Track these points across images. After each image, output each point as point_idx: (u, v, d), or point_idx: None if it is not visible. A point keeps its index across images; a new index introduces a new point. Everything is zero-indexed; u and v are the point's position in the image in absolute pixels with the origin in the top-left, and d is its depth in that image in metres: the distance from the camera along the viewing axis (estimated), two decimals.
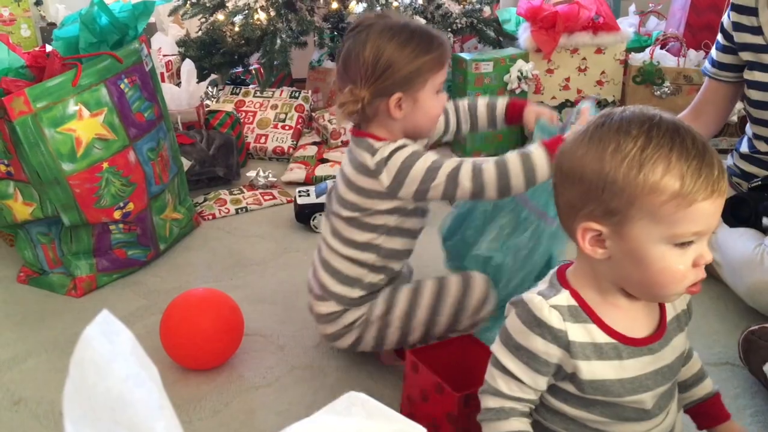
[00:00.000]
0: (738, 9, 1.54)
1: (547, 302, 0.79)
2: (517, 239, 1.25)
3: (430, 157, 1.12)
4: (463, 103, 1.33)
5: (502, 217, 1.29)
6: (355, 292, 1.21)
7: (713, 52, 1.64)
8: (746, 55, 1.53)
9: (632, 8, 2.79)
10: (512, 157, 1.09)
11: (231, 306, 1.29)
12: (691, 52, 2.31)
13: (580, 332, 0.79)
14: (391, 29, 1.12)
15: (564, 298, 0.80)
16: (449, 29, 2.47)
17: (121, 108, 1.55)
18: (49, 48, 1.67)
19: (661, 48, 2.35)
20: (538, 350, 0.79)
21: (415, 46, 1.11)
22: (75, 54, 1.56)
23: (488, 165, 1.09)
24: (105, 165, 1.52)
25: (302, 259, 1.72)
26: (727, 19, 1.57)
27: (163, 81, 2.32)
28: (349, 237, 1.19)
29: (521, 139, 2.40)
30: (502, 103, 1.31)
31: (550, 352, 0.78)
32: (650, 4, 2.73)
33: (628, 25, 2.64)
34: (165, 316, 1.26)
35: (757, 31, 1.51)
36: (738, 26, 1.54)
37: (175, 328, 1.24)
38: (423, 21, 2.34)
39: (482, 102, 1.32)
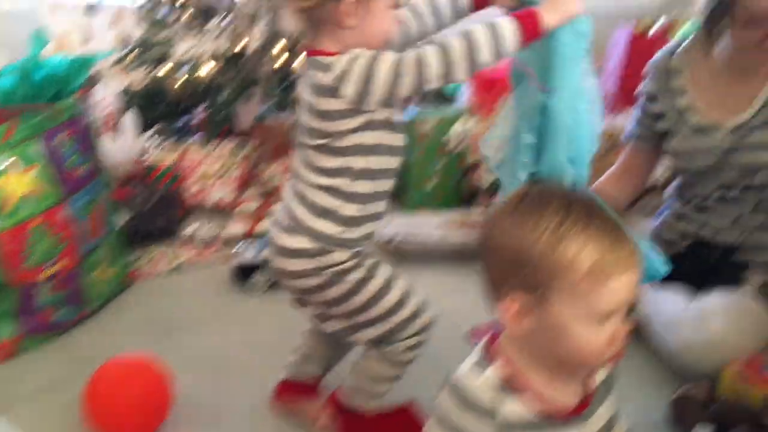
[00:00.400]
0: (657, 74, 1.57)
1: (477, 380, 0.79)
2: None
3: (389, 54, 1.05)
4: (419, 1, 1.22)
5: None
6: (331, 227, 1.13)
7: (634, 114, 1.66)
8: (665, 122, 1.56)
9: None
10: (478, 28, 1.03)
11: (158, 376, 1.25)
12: (622, 115, 2.40)
13: (511, 408, 0.79)
14: None
15: (494, 372, 0.80)
16: None
17: (55, 163, 1.52)
18: None
19: None
20: (472, 430, 0.79)
21: None
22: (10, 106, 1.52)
23: (453, 40, 1.03)
24: (35, 222, 1.48)
25: (239, 321, 1.69)
26: (647, 84, 1.60)
27: (103, 133, 2.28)
28: (321, 165, 1.12)
29: (463, 195, 2.45)
30: None
31: (485, 430, 0.78)
32: None
33: None
34: (87, 387, 1.21)
35: (677, 92, 1.53)
36: (659, 91, 1.56)
37: (97, 402, 1.20)
38: None
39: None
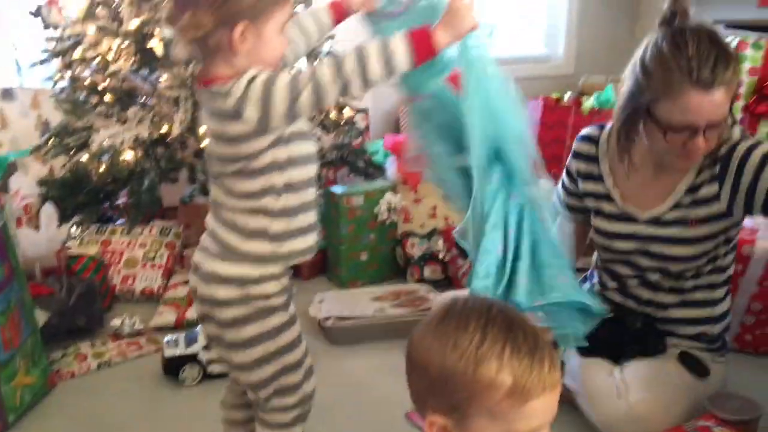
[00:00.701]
0: (580, 157, 1.61)
1: None
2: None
3: (284, 74, 1.07)
4: (297, 22, 1.28)
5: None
6: (262, 246, 1.13)
7: (561, 192, 1.69)
8: (590, 201, 1.60)
9: None
10: (371, 45, 1.05)
11: None
12: (542, 181, 2.50)
13: None
14: None
15: None
16: (321, 162, 2.54)
17: None
18: None
19: None
20: None
21: None
22: None
23: (346, 57, 1.05)
24: None
25: (171, 418, 1.63)
26: (572, 163, 1.63)
27: (20, 226, 2.21)
28: (244, 189, 1.12)
29: (396, 266, 2.47)
30: (323, 11, 1.29)
31: None
32: None
33: None
34: None
35: (598, 178, 1.58)
36: (581, 174, 1.60)
37: None
38: None
39: (306, 16, 1.29)
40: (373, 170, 2.73)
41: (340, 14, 1.30)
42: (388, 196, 2.42)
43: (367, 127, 3.21)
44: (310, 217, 1.18)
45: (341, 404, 1.69)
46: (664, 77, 1.29)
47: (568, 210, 1.69)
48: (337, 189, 2.42)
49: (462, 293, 0.93)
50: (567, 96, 2.80)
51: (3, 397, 1.56)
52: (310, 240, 1.19)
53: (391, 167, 2.52)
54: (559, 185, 1.69)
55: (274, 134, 1.09)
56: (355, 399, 1.72)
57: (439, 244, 2.40)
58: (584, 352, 1.53)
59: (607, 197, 1.56)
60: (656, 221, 1.48)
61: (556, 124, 2.56)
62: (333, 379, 1.80)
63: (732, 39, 2.36)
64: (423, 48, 1.05)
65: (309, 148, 1.16)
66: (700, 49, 1.27)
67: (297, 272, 2.22)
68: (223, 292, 1.14)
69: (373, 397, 1.73)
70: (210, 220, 1.19)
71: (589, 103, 2.58)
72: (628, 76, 1.40)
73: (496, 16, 3.56)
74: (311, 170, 1.17)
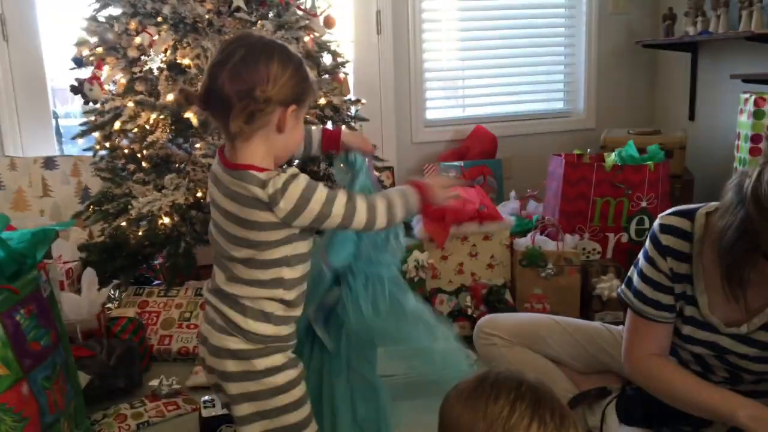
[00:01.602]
0: (672, 253, 1.38)
1: None
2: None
3: (323, 188, 1.18)
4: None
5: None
6: (268, 328, 1.21)
7: (644, 288, 1.42)
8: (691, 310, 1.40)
9: (513, 193, 3.08)
10: (395, 195, 1.24)
11: None
12: (567, 237, 2.54)
13: None
14: (286, 48, 1.18)
15: None
16: None
17: (15, 341, 1.53)
18: None
19: (541, 233, 2.58)
20: None
21: (304, 68, 1.20)
22: None
23: (379, 200, 1.22)
24: None
25: None
26: (660, 259, 1.39)
27: (62, 289, 2.30)
28: (253, 278, 1.20)
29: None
30: (317, 131, 1.40)
31: None
32: (528, 190, 3.02)
33: (510, 209, 2.90)
34: None
35: (686, 279, 1.38)
36: (676, 274, 1.39)
37: None
38: None
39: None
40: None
41: (331, 144, 1.40)
42: (416, 254, 2.48)
43: (392, 185, 3.31)
44: (302, 307, 1.28)
45: None
46: None
47: (661, 309, 1.41)
48: None
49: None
50: (588, 152, 2.85)
51: None
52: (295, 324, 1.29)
53: (418, 225, 2.58)
54: (637, 279, 1.45)
55: (290, 231, 1.18)
56: None
57: (468, 300, 2.44)
58: (626, 420, 1.52)
59: (692, 300, 1.38)
60: (739, 337, 1.35)
61: (579, 180, 2.61)
62: None
63: (749, 96, 2.42)
64: (426, 198, 1.27)
65: (309, 245, 1.24)
66: None
67: None
68: (231, 366, 1.22)
69: None
70: (212, 296, 1.27)
71: (611, 159, 2.63)
72: (733, 205, 1.20)
73: (518, 73, 3.67)
74: (307, 267, 1.25)
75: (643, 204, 2.56)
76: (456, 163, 3.29)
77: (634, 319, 1.45)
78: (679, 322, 1.41)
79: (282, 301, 1.22)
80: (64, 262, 2.44)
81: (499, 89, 3.69)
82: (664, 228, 1.38)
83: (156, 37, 2.36)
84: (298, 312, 1.26)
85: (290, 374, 1.24)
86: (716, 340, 1.37)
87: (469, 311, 2.43)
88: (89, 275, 2.26)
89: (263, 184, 1.14)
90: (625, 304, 1.48)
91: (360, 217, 1.19)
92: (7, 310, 1.53)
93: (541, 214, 2.81)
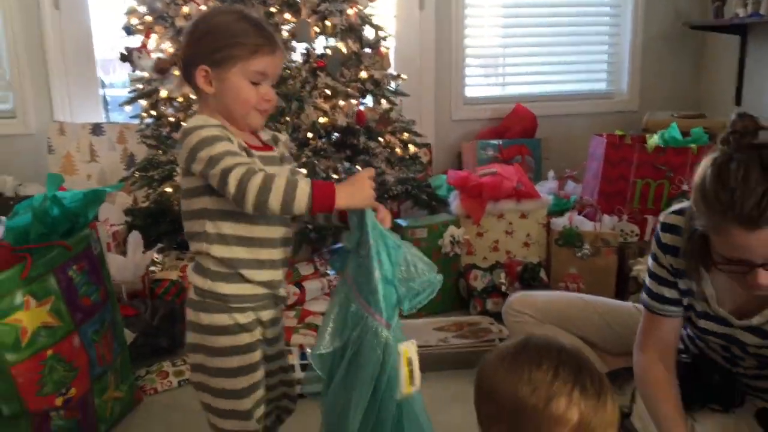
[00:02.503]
0: (669, 250, 1.40)
1: None
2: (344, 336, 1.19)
3: (224, 147, 1.12)
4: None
5: (333, 310, 1.23)
6: (204, 282, 1.21)
7: (650, 283, 1.45)
8: (685, 300, 1.44)
9: (551, 173, 3.07)
10: (281, 180, 1.09)
11: None
12: (606, 217, 2.53)
13: None
14: (225, 11, 1.23)
15: None
16: (386, 195, 2.65)
17: (68, 295, 1.60)
18: None
19: (579, 213, 2.58)
20: None
21: (234, 27, 1.18)
22: (25, 244, 1.61)
23: (257, 177, 1.09)
24: (49, 352, 1.54)
25: None
26: (662, 256, 1.41)
27: (109, 251, 2.38)
28: (186, 230, 1.23)
29: (458, 298, 2.53)
30: (304, 185, 1.28)
31: None
32: (566, 170, 3.01)
33: (548, 188, 2.89)
34: None
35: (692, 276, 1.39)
36: (676, 270, 1.40)
37: None
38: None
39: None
40: (437, 204, 2.81)
41: (324, 204, 1.18)
42: (452, 229, 2.50)
43: (429, 162, 3.32)
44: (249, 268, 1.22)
45: None
46: (706, 210, 1.16)
47: (664, 302, 1.44)
48: (402, 222, 2.51)
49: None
50: (631, 133, 2.83)
51: (96, 409, 1.69)
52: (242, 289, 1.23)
53: (455, 201, 2.60)
54: (646, 276, 1.49)
55: (199, 182, 1.17)
56: None
57: (502, 277, 2.45)
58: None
59: (701, 295, 1.39)
60: (752, 329, 1.34)
61: (620, 161, 2.59)
62: None
63: None
64: (323, 199, 1.10)
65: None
66: (748, 181, 1.10)
67: None
68: (188, 314, 1.26)
69: (438, 424, 1.78)
70: None
71: (653, 140, 2.60)
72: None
73: (560, 52, 3.63)
74: (247, 230, 1.20)
75: (685, 187, 2.53)
76: (494, 142, 3.29)
77: (645, 315, 1.49)
78: (693, 317, 1.43)
79: (211, 257, 1.20)
80: (111, 225, 2.52)
81: (541, 68, 3.65)
82: (664, 226, 1.40)
83: (203, 6, 2.40)
84: (236, 270, 1.21)
85: (234, 340, 1.23)
86: (731, 333, 1.37)
87: (503, 288, 2.44)
88: (135, 238, 2.34)
89: (180, 128, 1.21)
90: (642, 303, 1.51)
91: (229, 187, 1.09)
92: (60, 265, 1.60)
93: (580, 195, 2.80)
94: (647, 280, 1.47)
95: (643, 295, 1.48)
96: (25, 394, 1.51)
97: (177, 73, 2.47)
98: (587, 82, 3.75)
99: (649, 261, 1.46)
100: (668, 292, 1.42)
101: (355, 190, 1.13)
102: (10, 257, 1.55)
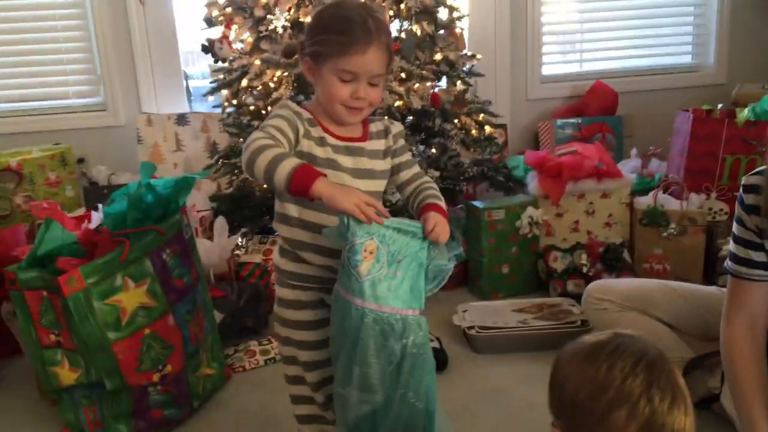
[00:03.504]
0: (753, 210, 1.39)
1: None
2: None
3: (271, 122, 1.19)
4: (414, 184, 1.33)
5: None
6: (276, 257, 1.33)
7: (736, 248, 1.43)
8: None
9: (634, 151, 2.97)
10: (274, 151, 1.12)
11: None
12: (693, 196, 2.44)
13: None
14: (335, 4, 1.26)
15: None
16: (462, 177, 2.64)
17: (162, 277, 1.69)
18: (94, 217, 1.85)
19: (664, 192, 2.49)
20: None
21: (331, 23, 1.22)
22: (122, 229, 1.71)
23: (259, 141, 1.13)
24: (146, 331, 1.63)
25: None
26: (748, 219, 1.39)
27: (197, 236, 2.48)
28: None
29: (537, 279, 2.50)
30: (420, 202, 1.29)
31: None
32: (650, 148, 2.90)
33: (630, 167, 2.81)
34: None
35: None
36: (765, 233, 1.36)
37: None
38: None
39: (414, 194, 1.31)
40: (513, 185, 2.78)
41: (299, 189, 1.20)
42: (530, 211, 2.46)
43: (505, 143, 3.28)
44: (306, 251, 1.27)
45: (486, 410, 1.76)
46: None
47: (752, 266, 1.41)
48: (478, 203, 2.50)
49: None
50: (719, 107, 2.70)
51: (190, 385, 1.78)
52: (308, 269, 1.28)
53: (533, 182, 2.56)
54: (731, 243, 1.46)
55: None
56: (499, 405, 1.79)
57: (583, 258, 2.41)
58: None
59: None
60: None
61: (708, 137, 2.48)
62: (478, 385, 1.88)
63: None
64: (300, 183, 1.10)
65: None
66: None
67: None
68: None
69: (518, 405, 1.79)
70: None
71: (743, 114, 2.48)
72: None
73: (641, 25, 3.50)
74: (307, 212, 1.24)
75: None
76: (573, 120, 3.21)
77: (731, 283, 1.44)
78: None
79: (281, 236, 1.30)
80: (198, 211, 2.63)
81: (621, 43, 3.53)
82: (747, 188, 1.39)
83: None
84: (296, 251, 1.27)
85: (298, 315, 1.31)
86: None
87: (585, 269, 2.40)
88: (221, 223, 2.43)
89: None
90: (725, 272, 1.47)
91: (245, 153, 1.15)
92: (155, 249, 1.69)
93: (665, 173, 2.71)
94: (732, 247, 1.43)
95: (728, 263, 1.44)
96: (126, 370, 1.61)
97: (258, 62, 2.54)
98: (671, 55, 3.60)
99: (734, 226, 1.43)
100: (756, 255, 1.39)
101: (339, 193, 1.11)
102: (109, 242, 1.66)
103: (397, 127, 1.35)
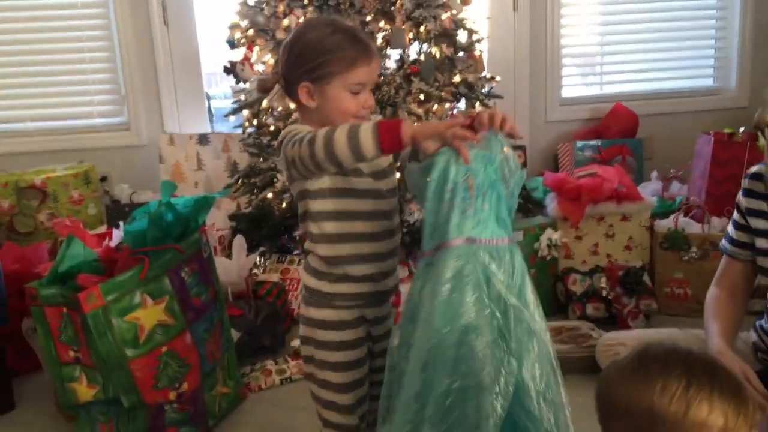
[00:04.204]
0: (750, 194, 1.59)
1: None
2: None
3: (306, 130, 1.17)
4: None
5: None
6: (311, 281, 1.28)
7: (730, 229, 1.66)
8: (760, 242, 1.56)
9: (654, 174, 2.95)
10: (341, 129, 1.10)
11: None
12: (714, 219, 2.41)
13: None
14: (316, 25, 1.25)
15: None
16: None
17: (181, 295, 1.70)
18: (115, 235, 1.87)
19: (685, 215, 2.47)
20: None
21: (328, 43, 1.21)
22: (142, 247, 1.72)
23: (320, 132, 1.11)
24: (164, 349, 1.64)
25: None
26: (742, 199, 1.62)
27: (215, 254, 2.50)
28: (303, 230, 1.29)
29: (556, 302, 2.48)
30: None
31: None
32: (671, 170, 2.88)
33: (651, 190, 2.79)
34: None
35: (761, 215, 1.55)
36: (750, 211, 1.59)
37: None
38: None
39: None
40: (532, 206, 2.77)
41: (393, 142, 1.17)
42: (548, 233, 2.45)
43: (524, 164, 3.27)
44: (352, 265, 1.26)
45: None
46: None
47: (735, 245, 1.64)
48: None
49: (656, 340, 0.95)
50: (741, 131, 2.68)
51: (206, 404, 1.79)
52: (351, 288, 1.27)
53: (552, 203, 2.55)
54: (730, 223, 1.67)
55: (305, 185, 1.22)
56: None
57: (602, 281, 2.38)
58: None
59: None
60: None
61: (730, 160, 2.46)
62: None
63: None
64: (390, 136, 1.07)
65: (358, 205, 1.24)
66: None
67: None
68: (301, 309, 1.34)
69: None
70: None
71: (765, 138, 2.45)
72: None
73: (662, 48, 3.49)
74: (344, 226, 1.24)
75: None
76: (593, 142, 3.20)
77: (721, 259, 1.70)
78: (761, 259, 1.57)
79: (319, 257, 1.26)
80: (217, 230, 2.65)
81: (641, 65, 3.52)
82: (749, 175, 1.61)
83: (302, 19, 2.48)
84: (339, 270, 1.25)
85: (339, 335, 1.28)
86: None
87: (604, 293, 2.37)
88: (239, 242, 2.44)
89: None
90: (720, 251, 1.71)
91: (303, 150, 1.11)
92: (174, 267, 1.71)
93: (686, 196, 2.68)
94: (728, 228, 1.67)
95: (722, 241, 1.69)
96: (143, 388, 1.62)
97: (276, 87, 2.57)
98: (692, 78, 3.58)
99: (734, 215, 1.66)
100: (741, 236, 1.62)
101: (424, 126, 1.12)
102: (129, 259, 1.67)
103: (375, 117, 1.36)
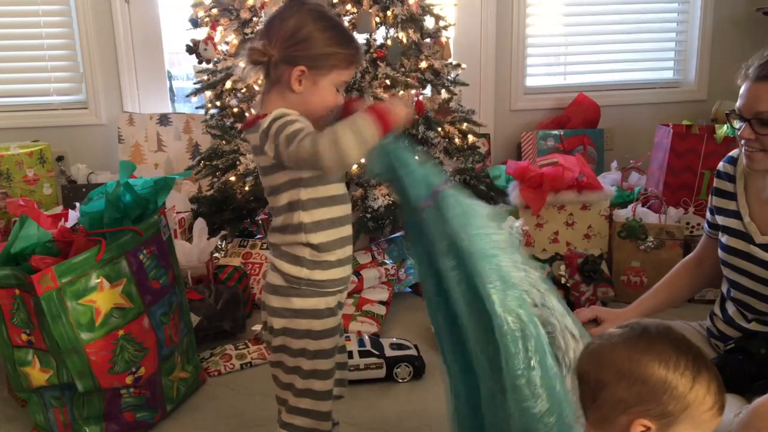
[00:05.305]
0: (721, 176, 1.65)
1: None
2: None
3: (303, 124, 1.18)
4: None
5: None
6: (300, 271, 1.27)
7: (708, 213, 1.72)
8: (720, 218, 1.63)
9: (614, 164, 3.00)
10: (343, 127, 1.12)
11: None
12: (671, 210, 2.47)
13: None
14: (320, 13, 1.25)
15: None
16: None
17: (138, 278, 1.67)
18: (71, 216, 1.82)
19: (643, 205, 2.51)
20: None
21: (335, 36, 1.24)
22: (99, 229, 1.69)
23: (321, 138, 1.11)
24: (120, 332, 1.61)
25: None
26: (716, 181, 1.67)
27: (175, 237, 2.46)
28: (279, 224, 1.28)
29: None
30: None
31: None
32: (630, 161, 2.93)
33: (611, 180, 2.83)
34: None
35: (732, 196, 1.62)
36: (718, 191, 1.65)
37: None
38: None
39: None
40: (495, 194, 2.79)
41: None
42: (510, 220, 2.47)
43: (488, 152, 3.30)
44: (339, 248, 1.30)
45: None
46: None
47: (709, 226, 1.72)
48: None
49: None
50: (699, 123, 2.74)
51: (163, 388, 1.76)
52: (343, 271, 1.32)
53: (514, 192, 2.58)
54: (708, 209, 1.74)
55: (293, 174, 1.22)
56: None
57: (561, 269, 2.42)
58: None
59: (737, 215, 1.59)
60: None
61: (687, 152, 2.52)
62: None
63: None
64: (384, 117, 1.13)
65: (335, 189, 1.27)
66: None
67: (417, 287, 2.32)
68: (274, 301, 1.31)
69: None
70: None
71: (723, 130, 2.51)
72: None
73: (625, 40, 3.54)
74: (337, 211, 1.28)
75: None
76: (555, 132, 3.23)
77: (702, 238, 1.77)
78: (724, 236, 1.62)
79: (309, 245, 1.26)
80: (177, 212, 2.61)
81: (604, 57, 3.57)
82: (725, 159, 1.67)
83: None
84: (332, 257, 1.28)
85: (328, 323, 1.30)
86: (750, 251, 1.53)
87: (563, 280, 2.41)
88: (200, 225, 2.41)
89: (258, 129, 1.22)
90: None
91: (303, 152, 1.12)
92: (132, 249, 1.67)
93: (644, 186, 2.73)
94: (707, 215, 1.74)
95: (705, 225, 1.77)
96: (98, 372, 1.58)
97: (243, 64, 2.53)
98: (653, 70, 3.65)
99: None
100: (711, 217, 1.70)
101: (401, 111, 1.16)
102: (85, 241, 1.63)
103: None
